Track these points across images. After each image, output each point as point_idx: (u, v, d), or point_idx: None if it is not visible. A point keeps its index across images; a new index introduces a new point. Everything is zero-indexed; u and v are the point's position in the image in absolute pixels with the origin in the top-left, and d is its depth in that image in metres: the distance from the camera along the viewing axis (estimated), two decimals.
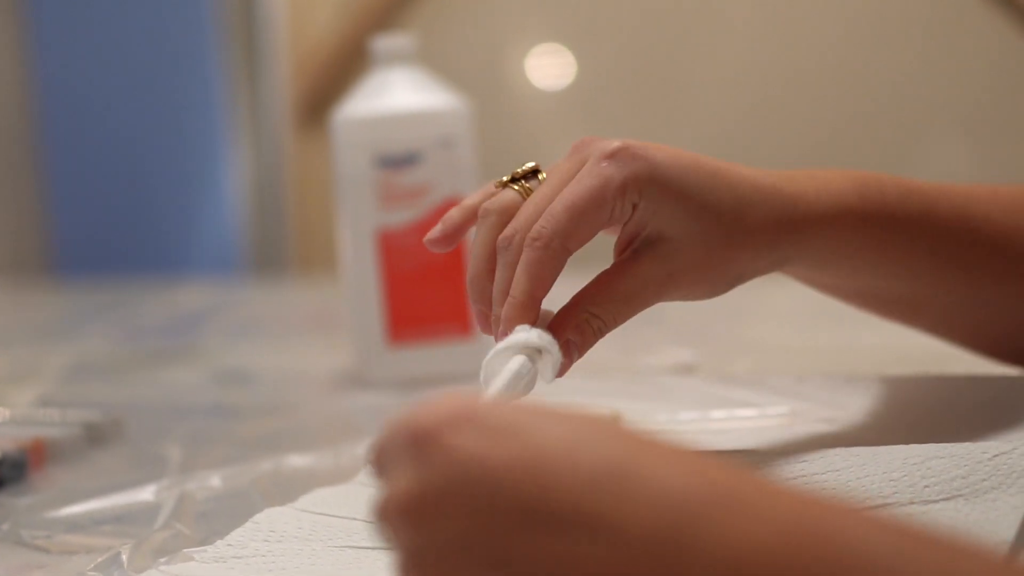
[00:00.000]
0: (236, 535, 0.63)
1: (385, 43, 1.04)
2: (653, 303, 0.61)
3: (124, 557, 0.62)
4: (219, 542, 0.62)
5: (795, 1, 2.20)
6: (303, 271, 2.36)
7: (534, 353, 0.58)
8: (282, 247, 2.38)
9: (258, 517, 0.64)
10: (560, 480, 0.37)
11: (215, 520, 0.68)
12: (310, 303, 1.68)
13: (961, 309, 0.71)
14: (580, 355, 0.61)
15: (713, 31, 2.22)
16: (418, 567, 0.40)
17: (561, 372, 0.60)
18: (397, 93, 1.03)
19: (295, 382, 1.09)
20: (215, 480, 0.76)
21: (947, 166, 2.11)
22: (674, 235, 0.60)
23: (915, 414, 0.73)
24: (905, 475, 0.60)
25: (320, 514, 0.65)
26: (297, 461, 0.80)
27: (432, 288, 1.02)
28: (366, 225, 1.02)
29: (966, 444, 0.61)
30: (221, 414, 0.99)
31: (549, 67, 2.35)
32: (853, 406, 0.77)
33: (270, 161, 2.38)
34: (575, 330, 0.60)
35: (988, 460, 0.59)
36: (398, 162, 1.01)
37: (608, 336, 0.61)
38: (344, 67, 2.34)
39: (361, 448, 0.82)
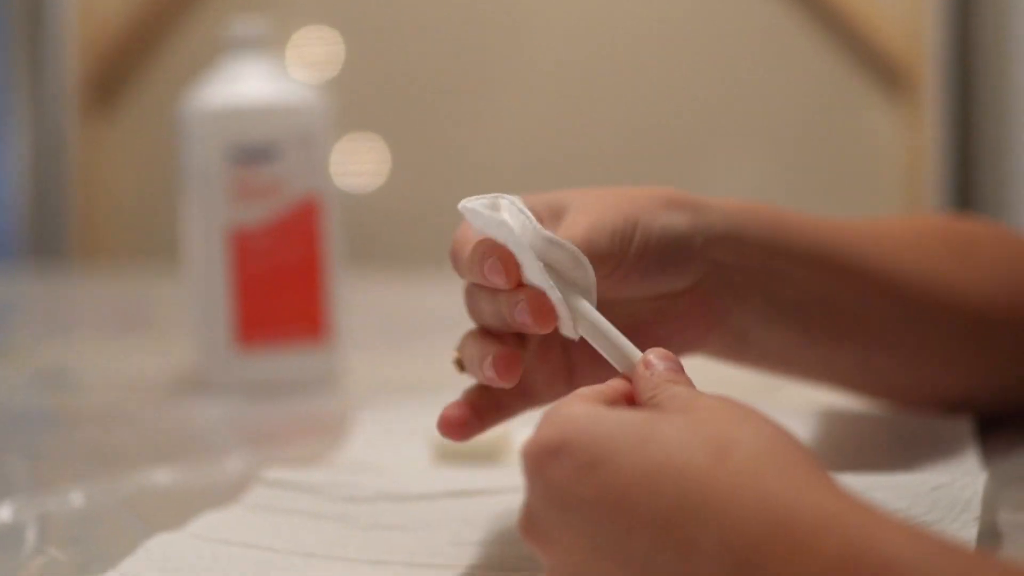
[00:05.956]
0: (128, 565, 0.57)
1: (237, 28, 0.98)
2: None
3: None
4: (111, 572, 0.56)
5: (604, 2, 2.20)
6: (85, 259, 2.24)
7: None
8: (63, 233, 2.26)
9: (149, 545, 0.59)
10: (640, 517, 0.41)
11: (92, 545, 0.62)
12: (112, 296, 1.58)
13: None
14: None
15: (516, 27, 2.20)
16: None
17: None
18: (252, 83, 0.96)
19: (129, 385, 1.01)
20: (77, 498, 0.69)
21: (743, 179, 2.15)
22: None
23: (849, 447, 0.72)
24: None
25: (218, 541, 0.60)
26: (163, 478, 0.74)
27: (284, 289, 0.96)
28: (216, 222, 0.95)
29: (904, 475, 0.60)
30: (56, 422, 0.91)
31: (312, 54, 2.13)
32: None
33: (51, 143, 2.25)
34: None
35: (928, 492, 0.58)
36: (253, 156, 0.95)
37: None
38: (138, 47, 2.24)
39: (229, 463, 0.77)
